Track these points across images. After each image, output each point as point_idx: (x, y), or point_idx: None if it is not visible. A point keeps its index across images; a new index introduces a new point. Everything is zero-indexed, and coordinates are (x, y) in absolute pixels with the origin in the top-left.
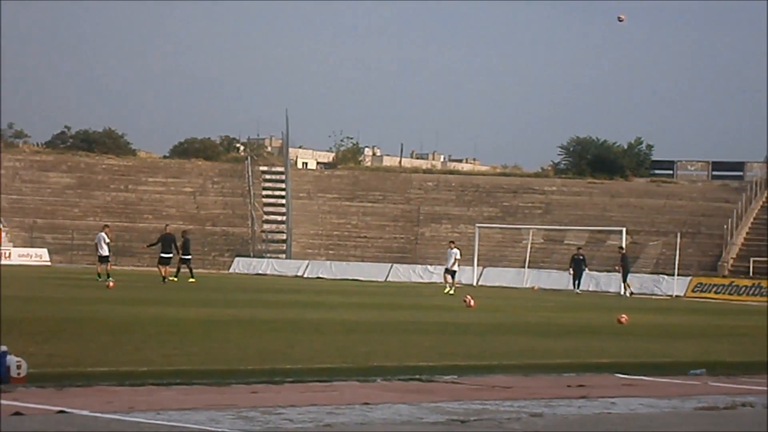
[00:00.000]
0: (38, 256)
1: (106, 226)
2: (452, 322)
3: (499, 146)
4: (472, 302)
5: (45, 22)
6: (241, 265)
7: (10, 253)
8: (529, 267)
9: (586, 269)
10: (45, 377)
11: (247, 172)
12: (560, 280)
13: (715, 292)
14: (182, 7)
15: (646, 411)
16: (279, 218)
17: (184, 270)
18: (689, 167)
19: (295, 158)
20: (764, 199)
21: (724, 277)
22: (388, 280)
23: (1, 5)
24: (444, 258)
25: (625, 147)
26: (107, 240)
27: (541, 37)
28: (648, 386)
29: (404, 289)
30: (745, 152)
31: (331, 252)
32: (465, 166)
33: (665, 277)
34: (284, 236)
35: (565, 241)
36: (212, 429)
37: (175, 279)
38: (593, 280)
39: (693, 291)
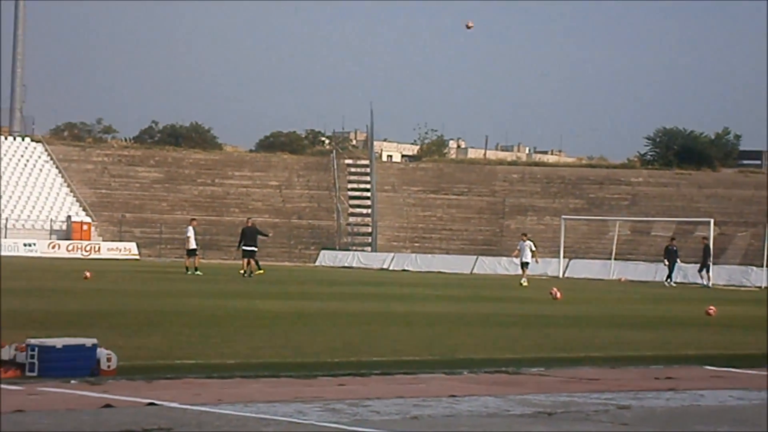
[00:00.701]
0: (127, 250)
1: (194, 219)
2: (538, 314)
3: (584, 137)
4: (558, 294)
5: (135, 20)
6: (326, 258)
7: (99, 247)
8: (615, 259)
9: (678, 260)
10: (134, 370)
11: (333, 165)
12: (647, 271)
13: None
14: (270, 6)
15: (736, 403)
16: (364, 211)
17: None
18: None
19: (379, 151)
20: None
21: None
22: (473, 272)
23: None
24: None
25: (713, 137)
26: (193, 233)
27: (627, 28)
28: (737, 378)
29: (489, 281)
30: None
31: (416, 244)
32: (550, 158)
33: (754, 268)
34: (369, 229)
35: (652, 233)
36: (299, 421)
37: (262, 271)
38: (681, 272)
39: None
